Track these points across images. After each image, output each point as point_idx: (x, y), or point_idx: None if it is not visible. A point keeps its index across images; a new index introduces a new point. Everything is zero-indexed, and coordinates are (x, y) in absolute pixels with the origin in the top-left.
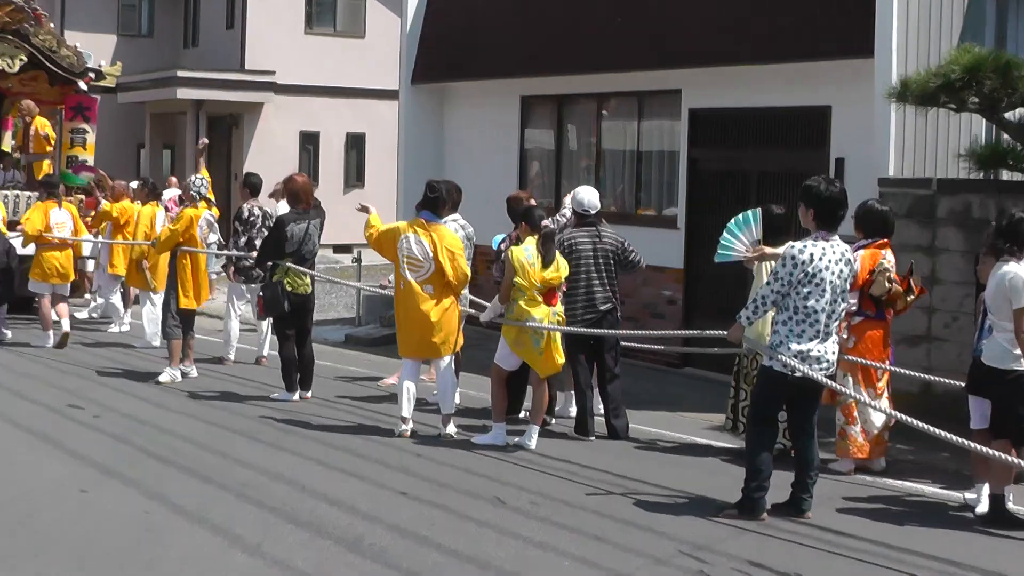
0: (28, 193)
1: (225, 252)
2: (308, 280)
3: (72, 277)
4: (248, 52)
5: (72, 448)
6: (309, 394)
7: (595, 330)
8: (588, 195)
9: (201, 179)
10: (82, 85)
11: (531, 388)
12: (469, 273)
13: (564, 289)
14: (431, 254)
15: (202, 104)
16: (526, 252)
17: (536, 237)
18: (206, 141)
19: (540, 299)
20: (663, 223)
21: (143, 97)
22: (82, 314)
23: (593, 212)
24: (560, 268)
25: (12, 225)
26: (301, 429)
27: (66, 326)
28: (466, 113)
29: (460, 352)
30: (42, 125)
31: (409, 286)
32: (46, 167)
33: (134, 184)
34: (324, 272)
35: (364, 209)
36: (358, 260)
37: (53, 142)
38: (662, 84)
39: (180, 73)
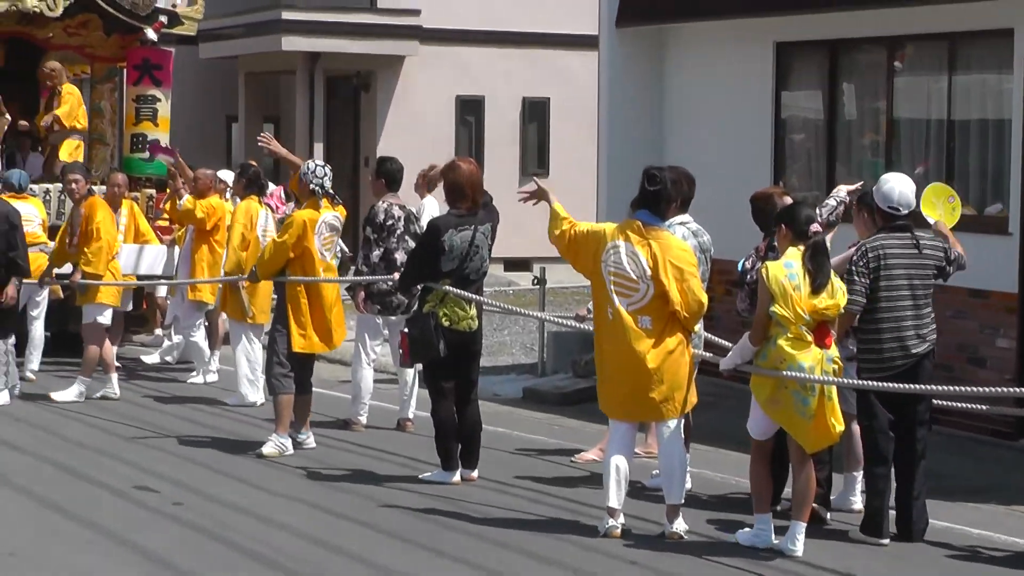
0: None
1: (349, 278)
2: (473, 311)
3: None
4: None
5: (143, 546)
6: (475, 474)
7: (896, 384)
8: (900, 186)
9: (321, 167)
10: (150, 34)
11: (792, 468)
12: (705, 300)
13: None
14: (649, 272)
15: (318, 59)
16: (787, 270)
17: (802, 249)
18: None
19: (809, 337)
20: (987, 226)
21: (235, 49)
22: (152, 357)
23: (906, 211)
24: (837, 294)
25: (52, 233)
26: (464, 524)
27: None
28: (696, 68)
29: (691, 414)
30: (68, 93)
31: (618, 317)
32: (70, 150)
33: (225, 174)
34: (493, 298)
35: (537, 196)
36: (541, 281)
37: (81, 118)
38: (986, 21)
39: (287, 15)
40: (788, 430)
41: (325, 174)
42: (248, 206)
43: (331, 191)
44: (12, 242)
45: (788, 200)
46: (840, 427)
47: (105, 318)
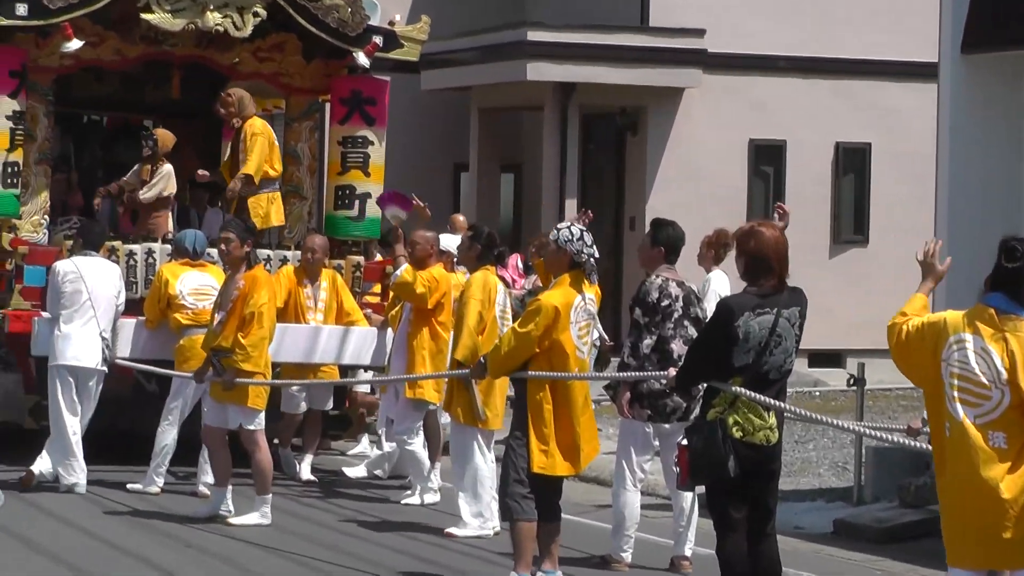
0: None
1: (610, 374)
2: (772, 419)
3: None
4: None
5: None
6: None
7: None
8: None
9: (579, 230)
10: (361, 59)
11: None
12: None
13: None
14: (1005, 375)
15: (572, 91)
16: None
17: None
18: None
19: None
20: None
21: (466, 79)
22: (357, 471)
23: None
24: None
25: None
26: None
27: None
28: None
29: None
30: (252, 130)
31: (961, 432)
32: (266, 208)
33: (450, 238)
34: (796, 402)
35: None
36: (858, 380)
37: (276, 163)
38: None
39: (533, 35)
40: None
41: (583, 240)
42: (485, 279)
43: (589, 264)
44: None
45: None
46: None
47: (258, 424)
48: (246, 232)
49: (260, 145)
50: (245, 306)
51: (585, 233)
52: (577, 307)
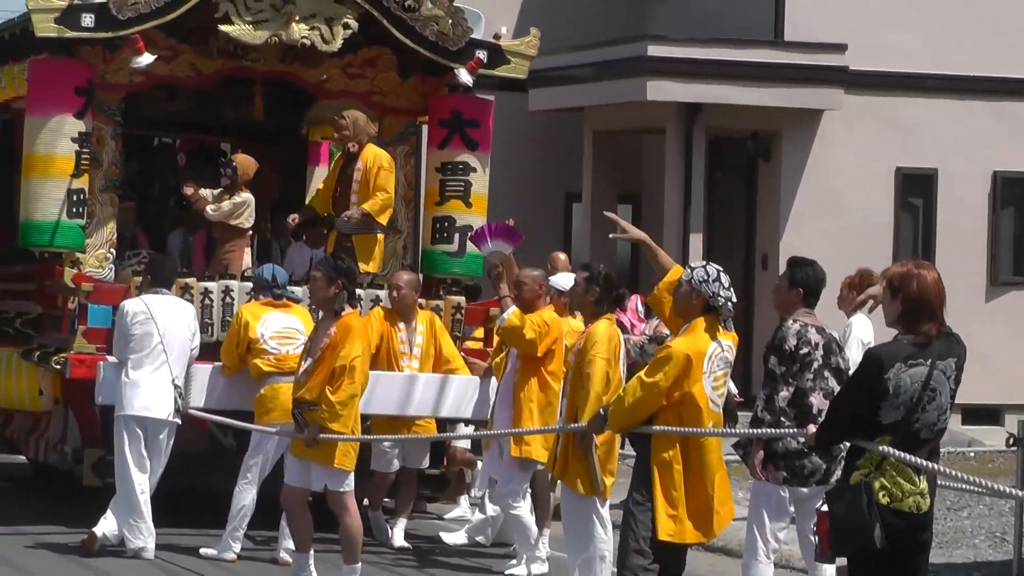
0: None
1: (741, 431)
2: (924, 484)
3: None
4: (788, 7)
5: None
6: None
7: None
8: None
9: (715, 269)
10: (463, 77)
11: None
12: None
13: None
14: None
15: (697, 113)
16: None
17: None
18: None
19: None
20: None
21: (579, 98)
22: (456, 537)
23: None
24: None
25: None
26: None
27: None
28: None
29: None
30: (378, 162)
31: None
32: (373, 249)
33: (563, 278)
34: (948, 463)
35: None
36: (1018, 440)
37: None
38: None
39: (654, 50)
40: None
41: (730, 284)
42: (610, 333)
43: (725, 306)
44: None
45: None
46: None
47: (346, 486)
48: (335, 272)
49: (389, 183)
50: (335, 357)
51: (722, 273)
52: (712, 355)
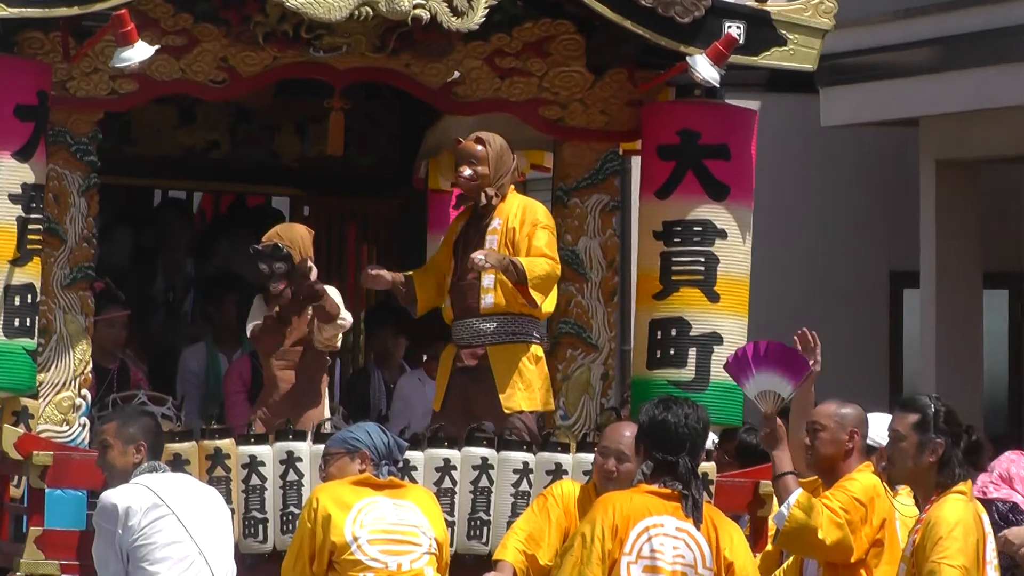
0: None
1: None
2: None
3: None
4: None
5: None
6: None
7: None
8: None
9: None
10: (702, 68)
11: None
12: None
13: None
14: None
15: None
16: None
17: None
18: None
19: None
20: None
21: (912, 102)
22: None
23: None
24: None
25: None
26: None
27: None
28: None
29: None
30: (531, 216)
31: None
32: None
33: (879, 419)
34: None
35: None
36: None
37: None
38: None
39: None
40: None
41: None
42: (967, 521)
43: None
44: None
45: None
46: None
47: None
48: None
49: (552, 247)
50: None
51: None
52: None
